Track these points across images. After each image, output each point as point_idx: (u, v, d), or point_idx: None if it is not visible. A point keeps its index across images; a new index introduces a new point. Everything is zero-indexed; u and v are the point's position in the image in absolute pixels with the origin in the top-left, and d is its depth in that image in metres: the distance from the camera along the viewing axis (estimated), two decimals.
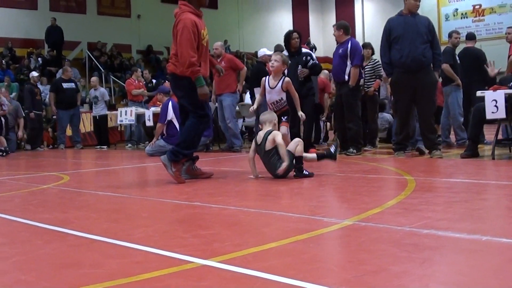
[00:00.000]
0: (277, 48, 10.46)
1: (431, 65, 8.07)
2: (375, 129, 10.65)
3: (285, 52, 9.17)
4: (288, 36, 9.52)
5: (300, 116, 6.72)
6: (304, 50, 9.65)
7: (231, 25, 26.07)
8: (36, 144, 15.15)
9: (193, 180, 6.12)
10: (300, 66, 9.12)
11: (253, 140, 6.14)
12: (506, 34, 10.49)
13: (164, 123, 10.66)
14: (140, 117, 13.78)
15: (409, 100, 8.07)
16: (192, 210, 4.17)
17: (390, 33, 8.11)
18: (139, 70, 15.88)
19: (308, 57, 9.33)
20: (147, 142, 12.98)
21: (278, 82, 6.65)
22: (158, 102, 13.13)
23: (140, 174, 7.76)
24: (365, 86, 10.31)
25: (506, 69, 9.76)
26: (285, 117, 6.64)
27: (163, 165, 5.96)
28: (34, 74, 15.63)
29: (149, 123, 12.58)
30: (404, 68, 7.95)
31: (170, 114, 10.63)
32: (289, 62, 7.23)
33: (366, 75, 10.33)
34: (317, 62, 9.58)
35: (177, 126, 10.64)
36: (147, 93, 15.17)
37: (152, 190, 5.61)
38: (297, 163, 5.81)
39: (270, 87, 6.69)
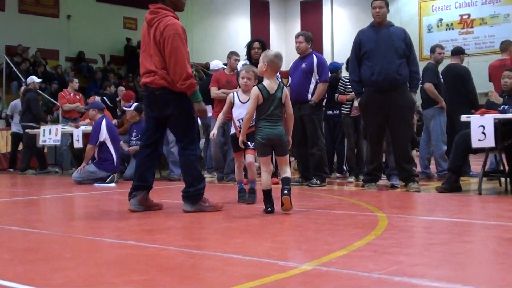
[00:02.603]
0: (230, 55, 10.66)
1: (407, 84, 8.13)
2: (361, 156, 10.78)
3: (247, 62, 9.29)
4: (249, 46, 9.63)
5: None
6: None
7: None
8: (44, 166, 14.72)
9: (127, 214, 6.08)
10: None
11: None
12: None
13: (96, 145, 10.55)
14: (67, 137, 13.61)
15: (381, 124, 8.17)
16: (125, 251, 4.14)
17: (360, 47, 8.20)
18: (76, 80, 15.65)
19: None
20: (74, 167, 12.82)
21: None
22: (89, 120, 12.98)
23: (64, 206, 7.67)
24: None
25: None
26: (252, 144, 6.80)
27: (193, 212, 6.07)
28: (36, 79, 15.16)
29: (78, 144, 12.40)
30: (375, 87, 8.04)
31: (104, 135, 10.54)
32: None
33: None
34: (281, 80, 9.63)
35: (112, 148, 10.55)
36: (83, 108, 14.95)
37: (78, 226, 5.55)
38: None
39: (242, 102, 6.96)
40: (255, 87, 6.15)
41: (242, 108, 6.92)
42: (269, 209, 5.94)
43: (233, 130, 7.09)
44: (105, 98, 15.73)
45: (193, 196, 6.14)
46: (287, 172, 6.05)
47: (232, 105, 7.03)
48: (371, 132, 8.32)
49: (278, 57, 6.24)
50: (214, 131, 7.38)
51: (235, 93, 7.13)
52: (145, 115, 6.86)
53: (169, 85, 6.04)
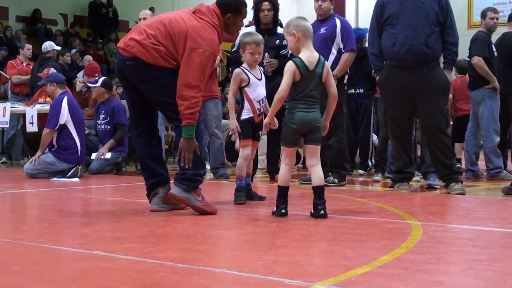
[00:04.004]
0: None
1: (439, 60, 8.12)
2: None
3: (253, 28, 9.31)
4: (256, 7, 9.57)
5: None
6: (280, 30, 9.66)
7: None
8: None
9: (93, 218, 6.10)
10: (267, 55, 9.14)
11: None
12: None
13: (55, 129, 10.52)
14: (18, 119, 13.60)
15: (405, 109, 8.12)
16: (90, 263, 4.14)
17: (383, 11, 8.17)
18: (28, 47, 15.63)
19: (284, 42, 9.39)
20: (27, 157, 12.80)
21: (260, 72, 7.21)
22: (43, 99, 12.92)
23: (13, 205, 7.67)
24: None
25: None
26: (260, 133, 7.16)
27: (178, 200, 6.11)
28: (55, 46, 15.32)
29: (32, 128, 12.34)
30: (396, 60, 8.01)
31: (65, 116, 10.47)
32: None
33: None
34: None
35: (75, 134, 10.50)
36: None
37: (31, 231, 5.56)
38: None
39: (258, 79, 7.09)
40: (291, 62, 6.01)
41: (260, 86, 7.09)
42: (283, 210, 5.95)
43: (246, 114, 7.10)
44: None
45: (189, 180, 6.08)
46: (321, 177, 6.05)
47: (242, 83, 7.04)
48: (392, 117, 8.29)
49: (302, 18, 6.19)
50: (235, 122, 7.16)
51: (245, 70, 7.08)
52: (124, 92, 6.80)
53: (144, 56, 5.97)
